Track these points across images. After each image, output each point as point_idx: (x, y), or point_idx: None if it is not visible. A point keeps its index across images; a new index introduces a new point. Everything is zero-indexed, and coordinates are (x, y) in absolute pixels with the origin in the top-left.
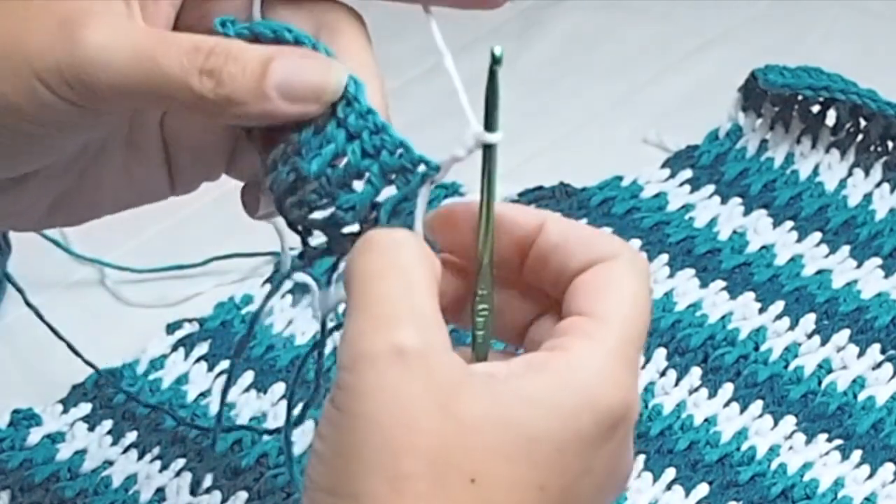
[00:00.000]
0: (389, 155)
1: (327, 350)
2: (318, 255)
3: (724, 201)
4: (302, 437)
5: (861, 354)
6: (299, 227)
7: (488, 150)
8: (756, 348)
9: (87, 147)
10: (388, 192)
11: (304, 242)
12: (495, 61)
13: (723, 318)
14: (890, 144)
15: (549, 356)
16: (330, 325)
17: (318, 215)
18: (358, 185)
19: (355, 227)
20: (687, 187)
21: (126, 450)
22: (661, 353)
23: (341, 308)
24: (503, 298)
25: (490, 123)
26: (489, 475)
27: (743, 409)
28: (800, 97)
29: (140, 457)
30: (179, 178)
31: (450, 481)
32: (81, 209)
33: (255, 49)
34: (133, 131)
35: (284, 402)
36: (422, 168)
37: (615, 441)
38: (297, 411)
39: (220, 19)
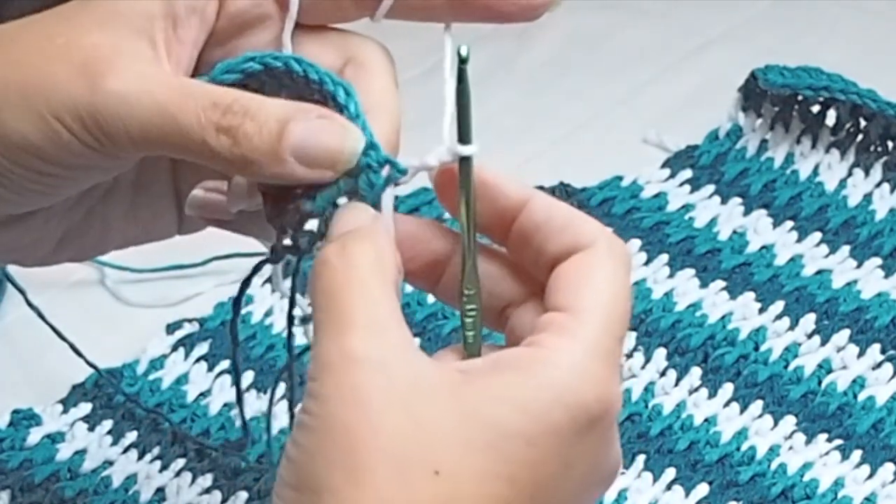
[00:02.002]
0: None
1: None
2: (285, 251)
3: (724, 201)
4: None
5: (861, 354)
6: (275, 223)
7: (464, 162)
8: (756, 348)
9: (96, 187)
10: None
11: (278, 239)
12: (462, 61)
13: (723, 318)
14: (890, 144)
15: (520, 352)
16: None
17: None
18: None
19: (314, 225)
20: (687, 187)
21: (126, 450)
22: (661, 353)
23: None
24: (485, 276)
25: (464, 134)
26: (454, 468)
27: (743, 409)
28: (800, 97)
29: (140, 457)
30: (188, 220)
31: (411, 473)
32: (87, 247)
33: (273, 106)
34: (142, 175)
35: (285, 402)
36: (387, 170)
37: (595, 437)
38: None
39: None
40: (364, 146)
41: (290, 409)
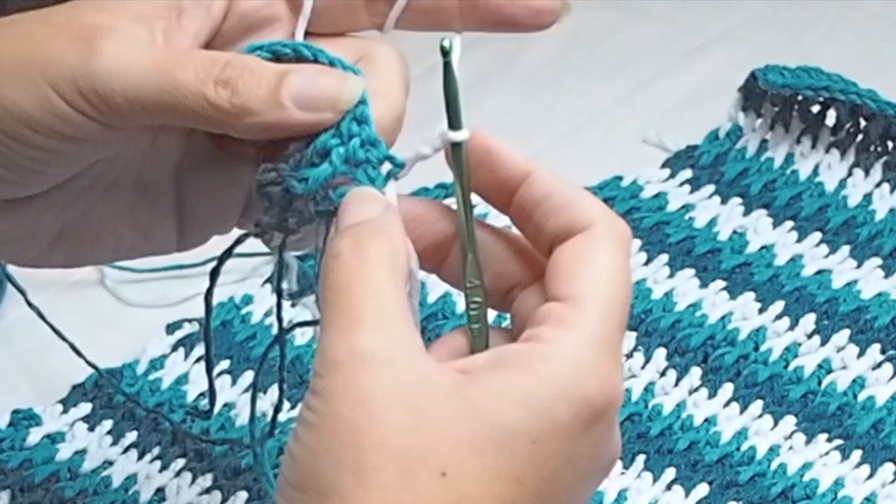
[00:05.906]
0: (360, 145)
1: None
2: (273, 226)
3: (724, 201)
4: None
5: (861, 354)
6: (263, 199)
7: (457, 148)
8: (756, 348)
9: (96, 182)
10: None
11: (263, 212)
12: (444, 54)
13: (723, 318)
14: (890, 144)
15: (522, 348)
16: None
17: (275, 184)
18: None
19: (308, 206)
20: (687, 187)
21: (126, 450)
22: (661, 353)
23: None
24: (492, 257)
25: (454, 121)
26: (461, 468)
27: (743, 409)
28: (800, 97)
29: (140, 457)
30: (190, 230)
31: (418, 475)
32: (82, 249)
33: (271, 64)
34: (145, 175)
35: (285, 402)
36: (386, 167)
37: (598, 430)
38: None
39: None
40: (364, 96)
41: (281, 386)
